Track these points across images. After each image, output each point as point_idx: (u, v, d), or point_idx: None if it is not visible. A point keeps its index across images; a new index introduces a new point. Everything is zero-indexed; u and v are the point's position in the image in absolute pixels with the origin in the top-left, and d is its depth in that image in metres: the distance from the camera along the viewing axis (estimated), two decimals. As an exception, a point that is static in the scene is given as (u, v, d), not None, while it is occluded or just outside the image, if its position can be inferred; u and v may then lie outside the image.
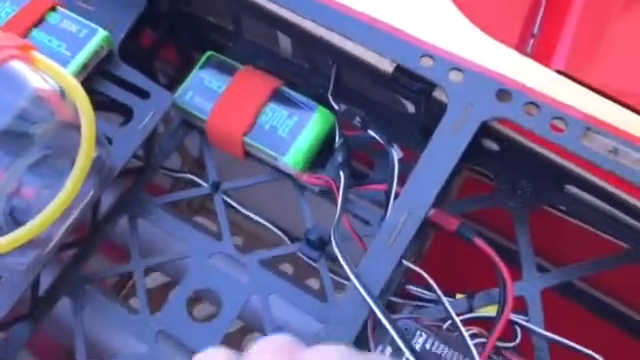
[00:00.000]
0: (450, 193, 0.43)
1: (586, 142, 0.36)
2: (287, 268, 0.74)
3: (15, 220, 0.36)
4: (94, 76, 0.43)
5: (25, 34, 0.43)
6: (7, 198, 0.36)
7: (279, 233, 0.45)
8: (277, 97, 0.44)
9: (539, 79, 0.40)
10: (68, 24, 0.43)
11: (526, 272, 0.41)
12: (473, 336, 0.38)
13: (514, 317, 0.39)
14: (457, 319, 0.36)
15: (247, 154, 0.44)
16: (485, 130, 0.40)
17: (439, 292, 0.37)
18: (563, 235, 0.46)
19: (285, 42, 0.49)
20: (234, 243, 0.43)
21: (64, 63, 0.41)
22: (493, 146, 0.42)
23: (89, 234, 0.44)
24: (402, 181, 0.38)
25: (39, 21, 0.43)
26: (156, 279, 0.70)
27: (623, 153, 0.36)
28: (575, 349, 0.38)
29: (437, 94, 0.40)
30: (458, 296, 0.41)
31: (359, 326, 0.34)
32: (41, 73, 0.37)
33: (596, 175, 0.39)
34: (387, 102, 0.46)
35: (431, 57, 0.38)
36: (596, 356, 0.37)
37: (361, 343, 0.38)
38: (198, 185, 0.46)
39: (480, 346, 0.38)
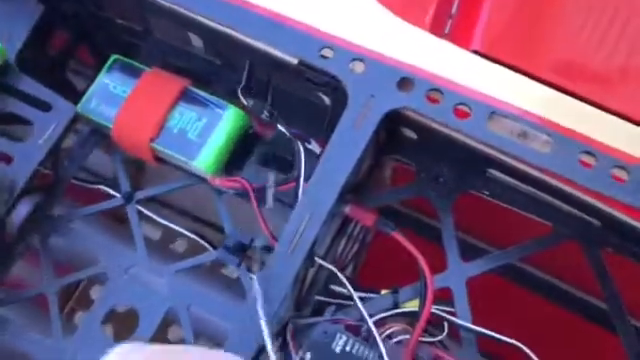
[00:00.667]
0: (369, 186, 0.41)
1: (493, 127, 0.34)
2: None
3: None
4: (-9, 90, 0.41)
5: None
6: None
7: (199, 240, 0.44)
8: (185, 98, 0.42)
9: (455, 62, 0.39)
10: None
11: (450, 262, 0.39)
12: (397, 333, 0.37)
13: (438, 310, 0.38)
14: (368, 319, 0.35)
15: (159, 159, 0.43)
16: (402, 119, 0.39)
17: (351, 289, 0.35)
18: (507, 218, 0.45)
19: (197, 40, 0.47)
20: (179, 249, 0.42)
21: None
22: (411, 135, 0.41)
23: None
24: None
25: None
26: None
27: (532, 136, 0.34)
28: (501, 340, 0.37)
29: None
30: (383, 292, 0.40)
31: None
32: None
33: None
34: (307, 96, 0.45)
35: (331, 48, 0.36)
36: (521, 346, 0.36)
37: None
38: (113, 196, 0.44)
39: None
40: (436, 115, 0.34)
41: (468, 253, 0.40)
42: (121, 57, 0.44)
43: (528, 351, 0.36)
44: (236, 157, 0.42)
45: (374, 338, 0.36)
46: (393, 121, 0.39)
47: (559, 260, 0.52)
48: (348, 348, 0.36)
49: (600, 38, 0.43)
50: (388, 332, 0.37)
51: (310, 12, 0.39)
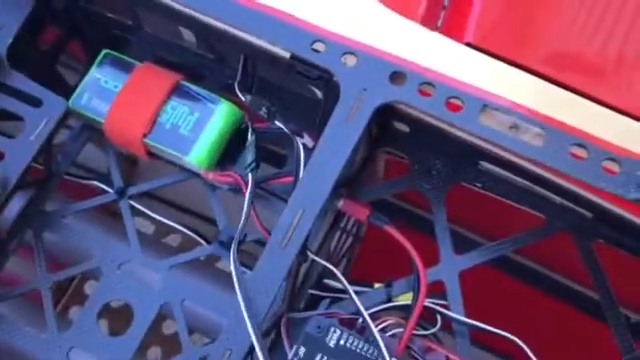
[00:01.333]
0: (362, 180, 0.41)
1: (485, 120, 0.34)
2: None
3: None
4: (-20, 86, 0.41)
5: None
6: None
7: (192, 235, 0.44)
8: (177, 93, 0.42)
9: (447, 55, 0.39)
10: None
11: (443, 254, 0.40)
12: (391, 326, 0.38)
13: (431, 303, 0.38)
14: (364, 312, 0.35)
15: (152, 155, 0.42)
16: (394, 112, 0.39)
17: (346, 284, 0.35)
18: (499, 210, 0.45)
19: (189, 34, 0.47)
20: (173, 243, 0.42)
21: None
22: (404, 128, 0.41)
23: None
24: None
25: None
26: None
27: (524, 128, 0.34)
28: (493, 332, 0.37)
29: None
30: (376, 285, 0.40)
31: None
32: None
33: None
34: (299, 90, 0.45)
35: (323, 42, 0.36)
36: (514, 339, 0.36)
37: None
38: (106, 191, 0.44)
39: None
40: (428, 108, 0.34)
41: (461, 245, 0.41)
42: (112, 52, 0.44)
43: (520, 343, 0.36)
44: (229, 152, 0.42)
45: (368, 331, 0.36)
46: (385, 114, 0.39)
47: (551, 252, 0.53)
48: (342, 342, 0.36)
49: (593, 30, 0.43)
50: (382, 325, 0.37)
51: (302, 6, 0.39)
